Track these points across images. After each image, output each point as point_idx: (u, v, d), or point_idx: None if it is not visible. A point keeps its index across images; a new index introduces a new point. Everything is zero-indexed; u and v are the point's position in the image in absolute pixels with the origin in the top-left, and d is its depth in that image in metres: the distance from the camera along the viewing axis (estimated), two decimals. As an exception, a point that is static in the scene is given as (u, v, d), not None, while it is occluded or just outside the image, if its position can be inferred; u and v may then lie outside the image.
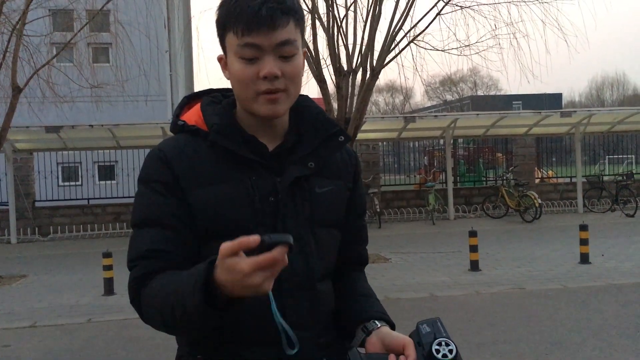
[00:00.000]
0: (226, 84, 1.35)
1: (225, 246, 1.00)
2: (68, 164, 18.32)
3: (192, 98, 1.41)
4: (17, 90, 9.67)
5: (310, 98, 1.43)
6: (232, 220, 1.24)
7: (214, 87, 1.46)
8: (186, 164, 1.26)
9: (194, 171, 1.26)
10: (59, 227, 15.18)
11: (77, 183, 18.37)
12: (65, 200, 16.60)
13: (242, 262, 0.99)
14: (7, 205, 14.69)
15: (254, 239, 0.98)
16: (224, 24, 1.25)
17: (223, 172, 1.26)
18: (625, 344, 5.07)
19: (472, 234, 8.73)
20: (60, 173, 18.65)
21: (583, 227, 8.90)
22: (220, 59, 1.31)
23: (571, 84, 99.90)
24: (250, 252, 1.00)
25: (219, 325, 1.12)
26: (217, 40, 1.32)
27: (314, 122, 1.36)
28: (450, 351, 1.18)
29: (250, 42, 1.20)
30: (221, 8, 1.26)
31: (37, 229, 15.08)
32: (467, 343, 5.21)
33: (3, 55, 9.57)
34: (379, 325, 1.31)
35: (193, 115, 1.34)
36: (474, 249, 8.75)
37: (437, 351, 1.17)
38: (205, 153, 1.27)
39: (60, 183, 18.06)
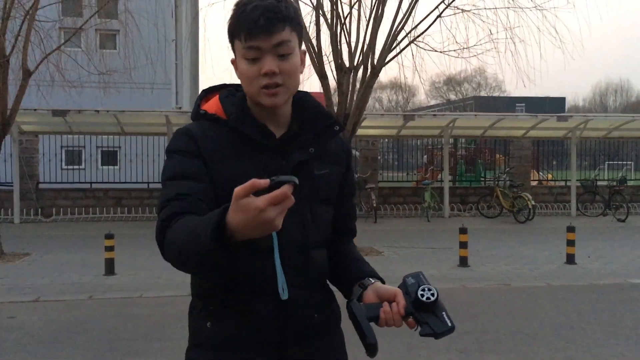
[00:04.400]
0: (231, 76, 1.64)
1: (239, 188, 1.16)
2: (72, 147, 18.61)
3: (209, 92, 1.69)
4: (27, 74, 9.92)
5: (310, 94, 1.69)
6: None
7: (218, 78, 1.75)
8: (209, 142, 1.52)
9: (216, 149, 1.52)
10: (61, 209, 15.48)
11: (80, 167, 18.67)
12: (68, 183, 16.90)
13: (257, 199, 1.15)
14: (12, 185, 14.97)
15: (264, 181, 1.15)
16: (232, 33, 1.51)
17: (240, 152, 1.52)
18: (598, 338, 5.36)
19: (463, 231, 9.01)
20: (64, 156, 18.94)
21: (570, 229, 9.17)
22: (232, 62, 1.59)
23: (576, 88, 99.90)
24: (258, 194, 1.17)
25: (223, 267, 1.30)
26: (225, 37, 1.59)
27: (313, 114, 1.63)
28: (433, 294, 1.45)
29: (252, 45, 1.46)
30: (230, 20, 1.52)
31: (40, 210, 15.38)
32: (448, 331, 5.49)
33: (15, 39, 9.82)
34: (373, 281, 1.58)
35: (213, 106, 1.61)
36: (463, 245, 9.04)
37: (422, 295, 1.45)
38: (225, 136, 1.54)
39: (64, 166, 18.35)
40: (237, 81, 1.63)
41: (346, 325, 1.69)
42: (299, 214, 1.53)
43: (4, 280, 7.90)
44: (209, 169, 1.51)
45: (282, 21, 1.46)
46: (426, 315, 1.46)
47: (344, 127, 1.66)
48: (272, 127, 1.57)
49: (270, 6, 1.46)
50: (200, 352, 1.55)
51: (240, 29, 1.47)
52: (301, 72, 1.57)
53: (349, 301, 1.53)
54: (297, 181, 1.17)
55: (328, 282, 1.71)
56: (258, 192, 1.17)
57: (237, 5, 1.51)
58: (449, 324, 1.46)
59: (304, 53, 1.59)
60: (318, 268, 1.61)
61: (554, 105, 60.88)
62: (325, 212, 1.64)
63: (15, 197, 14.70)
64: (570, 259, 9.14)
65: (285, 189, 1.16)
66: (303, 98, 1.65)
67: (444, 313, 1.47)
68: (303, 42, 1.62)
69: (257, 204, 1.15)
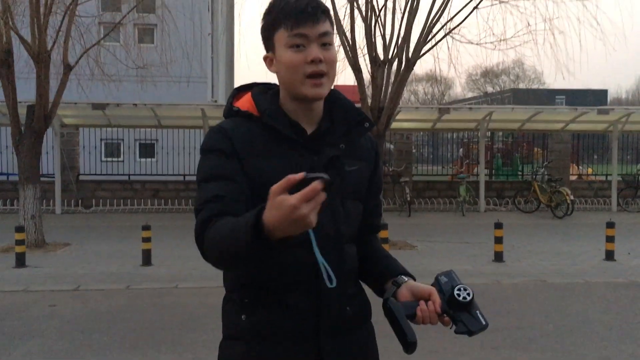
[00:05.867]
0: (264, 69, 1.65)
1: (275, 186, 1.20)
2: (111, 140, 18.97)
3: (241, 90, 1.70)
4: (68, 68, 10.19)
5: (340, 91, 1.71)
6: None
7: (253, 71, 1.77)
8: (243, 139, 1.54)
9: (249, 145, 1.54)
10: (100, 201, 15.84)
11: (119, 159, 19.04)
12: (107, 175, 17.28)
13: (290, 197, 1.18)
14: (54, 177, 15.39)
15: (299, 174, 1.20)
16: (274, 23, 1.53)
17: (272, 148, 1.54)
18: (636, 336, 5.24)
19: (498, 225, 8.90)
20: (103, 149, 19.34)
21: (610, 225, 8.96)
22: (266, 58, 1.60)
23: (619, 80, 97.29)
24: (292, 192, 1.20)
25: (262, 263, 1.35)
26: (260, 41, 1.61)
27: (344, 111, 1.65)
28: (469, 294, 1.49)
29: (300, 32, 1.49)
30: (269, 14, 1.55)
31: (80, 201, 15.77)
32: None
33: (56, 34, 10.07)
34: (407, 279, 1.60)
35: (245, 103, 1.63)
36: (498, 240, 8.92)
37: (458, 295, 1.49)
38: (258, 133, 1.56)
39: (103, 158, 18.75)
40: (269, 79, 1.65)
41: (375, 319, 1.71)
42: (332, 209, 1.55)
43: (45, 269, 8.15)
44: (242, 165, 1.52)
45: (324, 12, 1.53)
46: (461, 314, 1.49)
47: (374, 123, 1.69)
48: (303, 124, 1.59)
49: None
50: (235, 344, 1.58)
51: (287, 17, 1.50)
52: (337, 63, 1.61)
53: (385, 299, 1.55)
54: (328, 177, 1.19)
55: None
56: (292, 190, 1.19)
57: (273, 3, 1.54)
58: (483, 322, 1.48)
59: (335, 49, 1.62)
60: (350, 262, 1.63)
61: (595, 97, 59.36)
62: (356, 208, 1.65)
63: (56, 188, 15.10)
64: (610, 256, 8.94)
65: (316, 184, 1.18)
66: (334, 95, 1.66)
67: (477, 311, 1.49)
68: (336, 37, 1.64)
69: (291, 201, 1.18)
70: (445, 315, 1.50)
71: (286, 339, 1.53)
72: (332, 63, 1.54)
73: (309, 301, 1.53)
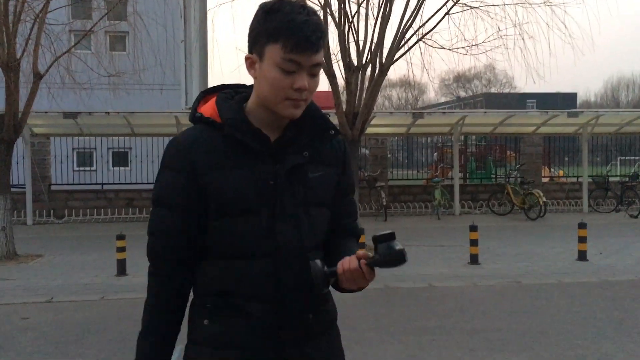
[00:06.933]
0: (240, 76, 1.64)
1: None
2: (83, 149, 18.73)
3: (208, 93, 1.68)
4: (38, 77, 10.02)
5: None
6: (240, 200, 1.52)
7: (227, 78, 1.74)
8: (202, 151, 1.53)
9: (209, 157, 1.53)
10: (73, 211, 15.60)
11: (92, 168, 18.81)
12: (80, 184, 17.03)
13: None
14: (24, 187, 15.11)
15: None
16: (271, 34, 1.46)
17: (233, 158, 1.53)
18: (609, 335, 5.33)
19: (473, 228, 8.99)
20: (75, 158, 19.07)
21: (582, 225, 9.12)
22: (247, 59, 1.54)
23: (588, 83, 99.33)
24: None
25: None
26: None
27: (310, 117, 1.62)
28: (388, 232, 1.47)
29: (295, 59, 1.46)
30: (269, 19, 1.47)
31: (52, 211, 15.51)
32: (459, 329, 5.51)
33: (26, 42, 9.91)
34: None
35: (209, 109, 1.60)
36: (474, 243, 9.02)
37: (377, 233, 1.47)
38: (219, 142, 1.54)
39: (75, 168, 18.48)
40: (245, 78, 1.63)
41: (340, 323, 1.71)
42: (294, 218, 1.55)
43: (17, 282, 7.98)
44: (200, 181, 1.52)
45: (322, 40, 1.49)
46: (379, 246, 1.47)
47: (339, 131, 1.69)
48: (267, 131, 1.57)
49: (318, 25, 1.48)
50: (197, 348, 1.59)
51: (288, 37, 1.44)
52: None
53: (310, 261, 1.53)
54: None
55: None
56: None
57: (278, 9, 1.47)
58: (397, 248, 1.47)
59: None
60: None
61: (565, 100, 60.47)
62: (321, 215, 1.63)
63: (27, 198, 14.83)
64: (582, 256, 9.09)
65: None
66: None
67: (395, 242, 1.47)
68: None
69: None
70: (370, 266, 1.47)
71: (248, 347, 1.53)
72: (314, 91, 1.54)
73: (270, 311, 1.53)
